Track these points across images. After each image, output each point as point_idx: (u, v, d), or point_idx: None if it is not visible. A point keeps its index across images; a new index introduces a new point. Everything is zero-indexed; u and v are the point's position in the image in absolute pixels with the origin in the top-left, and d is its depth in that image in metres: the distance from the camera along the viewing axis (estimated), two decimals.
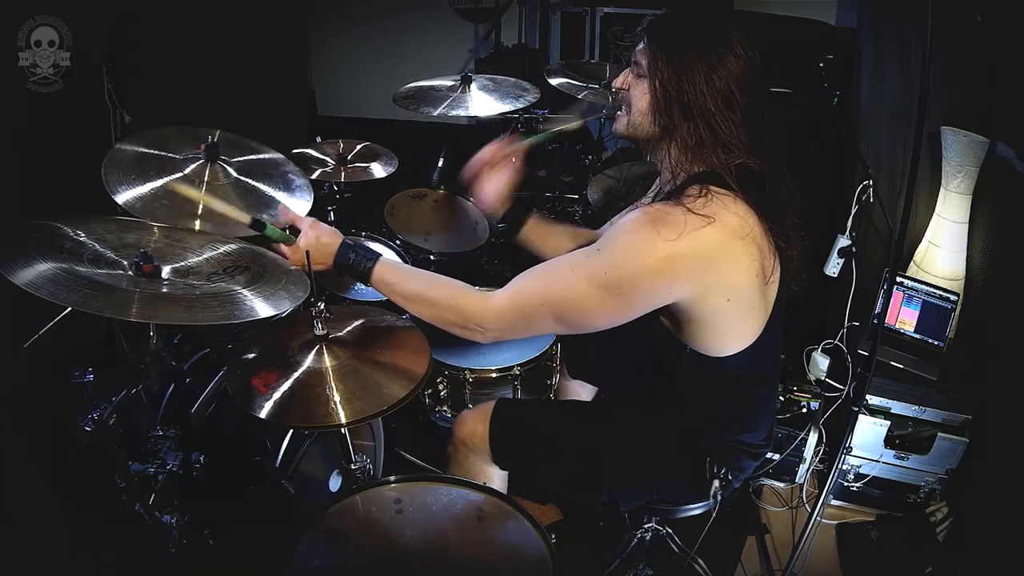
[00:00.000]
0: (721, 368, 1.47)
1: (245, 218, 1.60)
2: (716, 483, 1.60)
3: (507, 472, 1.80)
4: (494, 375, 2.17)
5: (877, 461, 2.45)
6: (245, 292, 1.42)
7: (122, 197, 1.62)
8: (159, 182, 1.70)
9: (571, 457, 1.71)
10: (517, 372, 2.16)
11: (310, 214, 2.38)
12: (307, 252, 1.53)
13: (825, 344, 2.69)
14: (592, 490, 1.74)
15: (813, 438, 2.50)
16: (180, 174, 1.77)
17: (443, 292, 1.55)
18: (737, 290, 1.38)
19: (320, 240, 1.60)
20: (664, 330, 1.51)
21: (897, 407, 2.37)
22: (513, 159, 1.80)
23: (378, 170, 2.60)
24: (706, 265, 1.34)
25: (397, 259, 1.62)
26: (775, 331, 1.50)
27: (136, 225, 1.59)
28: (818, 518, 2.16)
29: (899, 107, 2.76)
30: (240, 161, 1.91)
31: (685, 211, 1.33)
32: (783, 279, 1.47)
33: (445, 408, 2.27)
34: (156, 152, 1.81)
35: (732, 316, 1.41)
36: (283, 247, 1.61)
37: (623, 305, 1.37)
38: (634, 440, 1.66)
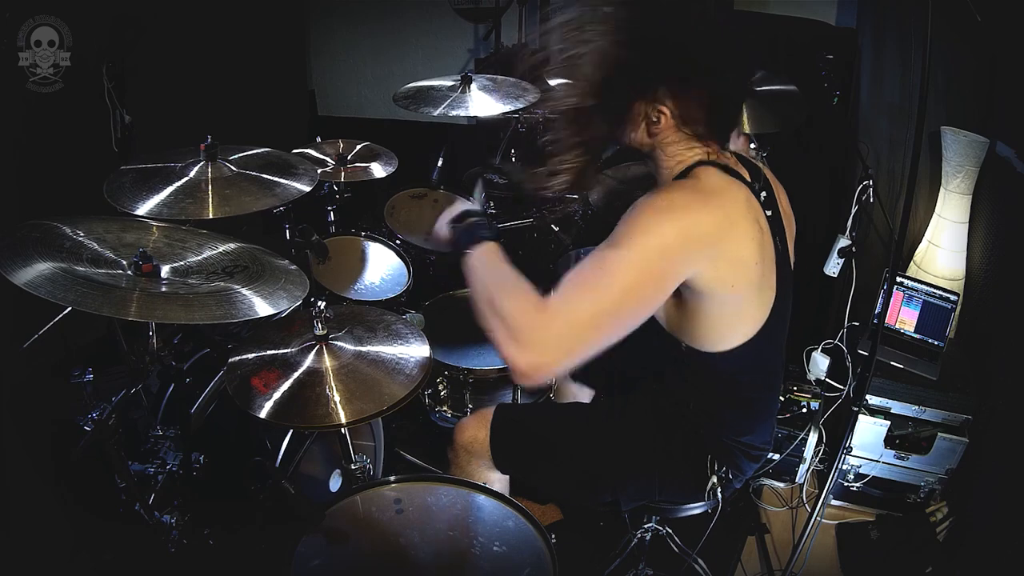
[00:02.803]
0: (717, 365, 1.47)
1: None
2: (714, 479, 1.59)
3: (508, 477, 1.80)
4: (494, 375, 2.17)
5: (877, 461, 2.45)
6: (243, 291, 1.42)
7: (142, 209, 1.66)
8: (168, 189, 1.74)
9: (572, 460, 1.71)
10: None
11: (309, 214, 2.39)
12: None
13: (825, 344, 2.69)
14: (594, 491, 1.74)
15: (813, 438, 2.50)
16: (185, 179, 1.78)
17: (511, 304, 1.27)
18: (741, 273, 1.38)
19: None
20: (659, 326, 1.51)
21: (897, 407, 2.37)
22: None
23: (378, 170, 2.59)
24: (718, 237, 1.33)
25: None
26: (775, 334, 1.49)
27: (136, 225, 1.59)
28: (818, 518, 2.16)
29: (899, 107, 2.76)
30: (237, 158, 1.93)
31: (689, 189, 1.36)
32: (783, 278, 1.47)
33: (445, 408, 2.27)
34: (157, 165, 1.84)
35: (731, 307, 1.40)
36: None
37: (649, 292, 1.30)
38: (634, 440, 1.66)
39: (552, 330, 1.22)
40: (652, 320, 1.48)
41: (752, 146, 2.49)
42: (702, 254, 1.32)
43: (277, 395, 1.48)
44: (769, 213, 1.48)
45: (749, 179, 1.47)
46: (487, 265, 1.37)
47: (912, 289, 2.47)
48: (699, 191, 1.36)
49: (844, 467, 2.48)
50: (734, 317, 1.43)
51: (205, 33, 3.36)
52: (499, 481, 1.78)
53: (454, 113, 2.54)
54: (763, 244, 1.41)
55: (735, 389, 1.54)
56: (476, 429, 1.76)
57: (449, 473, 1.84)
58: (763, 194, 1.49)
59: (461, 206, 1.57)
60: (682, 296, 1.41)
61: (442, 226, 1.59)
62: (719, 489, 1.61)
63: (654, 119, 1.40)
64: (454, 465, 1.81)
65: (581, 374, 2.10)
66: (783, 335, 1.56)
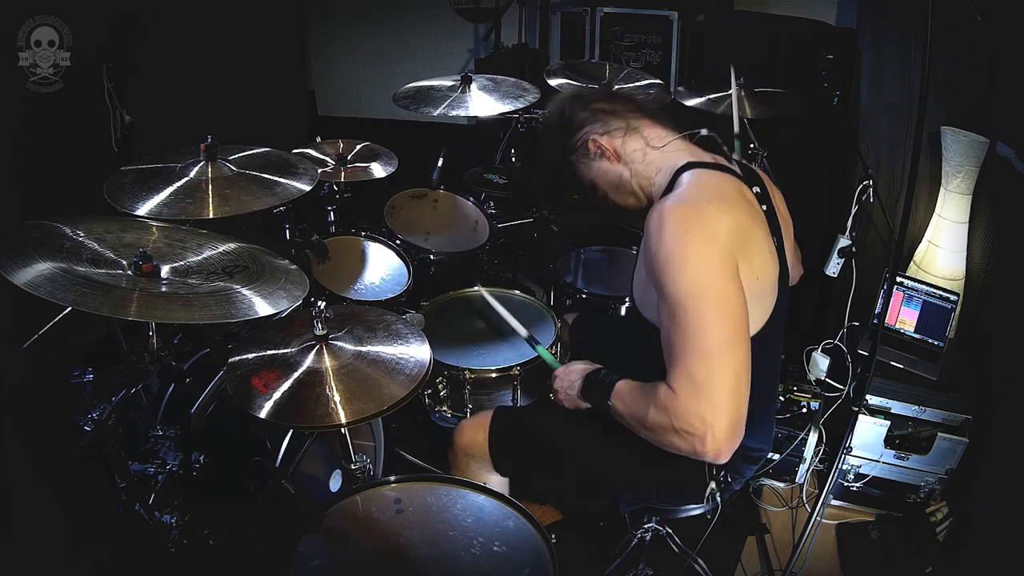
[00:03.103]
0: None
1: (523, 332, 1.91)
2: (713, 484, 1.59)
3: (508, 479, 1.80)
4: (494, 375, 2.16)
5: (877, 461, 2.45)
6: (243, 291, 1.42)
7: (142, 209, 1.65)
8: (168, 190, 1.74)
9: (570, 464, 1.71)
10: (517, 372, 2.15)
11: (309, 214, 2.39)
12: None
13: (825, 344, 2.68)
14: (592, 494, 1.74)
15: (813, 438, 2.50)
16: (185, 179, 1.77)
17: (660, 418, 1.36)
18: (763, 260, 1.40)
19: (571, 369, 1.67)
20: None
21: (897, 407, 2.37)
22: None
23: (378, 170, 2.59)
24: (739, 230, 1.36)
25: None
26: (776, 331, 1.50)
27: (136, 225, 1.59)
28: (818, 518, 2.16)
29: (899, 107, 2.76)
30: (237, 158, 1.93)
31: (686, 196, 1.38)
32: (781, 276, 1.47)
33: (445, 408, 2.26)
34: (157, 165, 1.83)
35: (748, 298, 1.40)
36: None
37: (737, 304, 1.32)
38: (632, 444, 1.66)
39: (701, 403, 1.27)
40: (651, 312, 1.49)
41: (752, 146, 2.49)
42: (740, 251, 1.34)
43: (277, 395, 1.48)
44: (764, 208, 1.48)
45: (740, 173, 1.48)
46: (622, 404, 1.48)
47: (912, 289, 2.47)
48: (699, 195, 1.38)
49: (844, 467, 2.48)
50: (749, 308, 1.42)
51: (205, 33, 3.37)
52: (498, 483, 1.78)
53: (454, 113, 2.54)
54: (766, 233, 1.43)
55: None
56: (475, 432, 1.77)
57: (449, 474, 1.84)
58: (755, 189, 1.49)
59: (577, 373, 1.65)
60: None
61: (573, 400, 1.66)
62: (718, 493, 1.61)
63: (608, 152, 1.56)
64: (453, 467, 1.82)
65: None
66: (781, 334, 1.56)
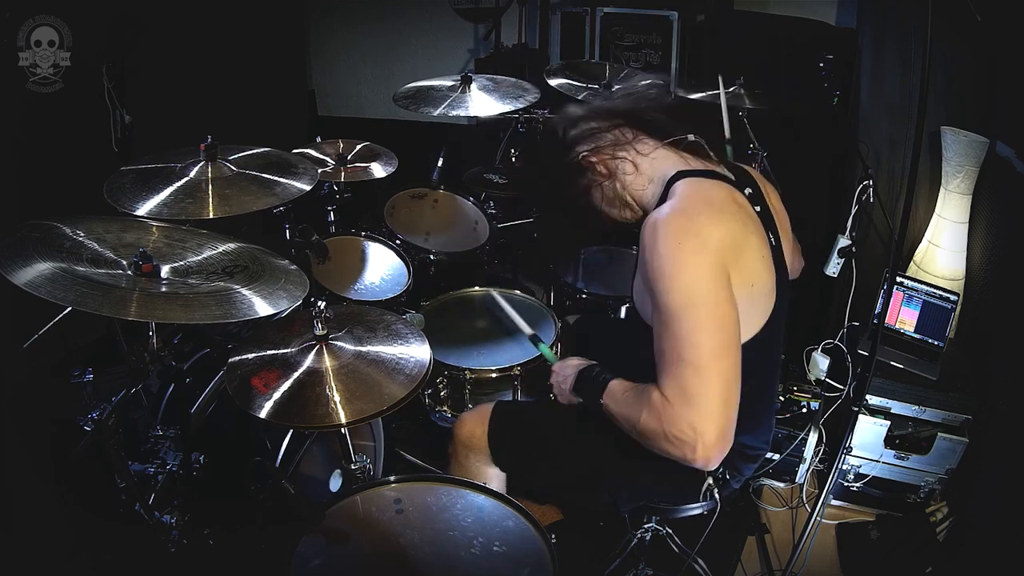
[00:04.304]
0: None
1: (528, 331, 1.99)
2: (710, 480, 1.60)
3: (506, 473, 1.80)
4: (494, 375, 2.17)
5: (877, 461, 2.45)
6: (243, 291, 1.42)
7: (142, 209, 1.66)
8: (168, 190, 1.74)
9: (569, 459, 1.71)
10: (517, 372, 2.16)
11: (309, 214, 2.39)
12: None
13: (825, 344, 2.68)
14: (591, 491, 1.74)
15: (813, 438, 2.50)
16: (185, 179, 1.77)
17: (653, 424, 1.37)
18: (756, 269, 1.41)
19: (567, 364, 1.69)
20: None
21: (897, 407, 2.37)
22: None
23: (378, 170, 2.59)
24: (733, 240, 1.37)
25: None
26: (774, 332, 1.50)
27: (136, 225, 1.59)
28: (818, 518, 2.16)
29: (899, 107, 2.76)
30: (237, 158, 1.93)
31: (681, 207, 1.38)
32: (780, 275, 1.47)
33: (445, 408, 2.27)
34: (157, 165, 1.84)
35: (744, 304, 1.40)
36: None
37: (725, 314, 1.33)
38: (629, 440, 1.65)
39: (691, 412, 1.29)
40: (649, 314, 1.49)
41: (751, 146, 2.50)
42: (732, 260, 1.35)
43: (277, 395, 1.48)
44: (758, 208, 1.49)
45: (732, 177, 1.48)
46: (614, 404, 1.49)
47: (912, 289, 2.47)
48: (690, 205, 1.39)
49: (844, 467, 2.48)
50: (745, 314, 1.43)
51: (205, 33, 3.37)
52: (496, 477, 1.78)
53: (454, 113, 2.54)
54: (761, 237, 1.43)
55: None
56: (475, 424, 1.77)
57: (448, 468, 1.84)
58: (747, 190, 1.50)
59: (571, 368, 1.66)
60: None
61: (565, 395, 1.67)
62: (715, 490, 1.61)
63: (600, 170, 1.57)
64: (453, 460, 1.82)
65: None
66: (781, 334, 1.57)
